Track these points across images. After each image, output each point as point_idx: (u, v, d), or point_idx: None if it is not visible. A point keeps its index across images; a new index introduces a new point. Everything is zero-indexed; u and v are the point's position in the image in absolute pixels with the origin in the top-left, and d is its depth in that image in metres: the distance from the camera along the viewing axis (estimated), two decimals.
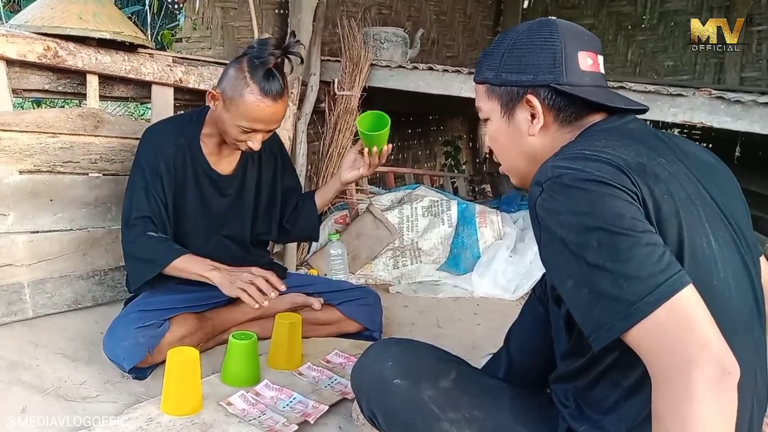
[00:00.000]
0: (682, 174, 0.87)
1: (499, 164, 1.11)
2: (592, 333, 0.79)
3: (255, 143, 1.70)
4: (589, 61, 0.98)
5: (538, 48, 0.98)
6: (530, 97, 0.98)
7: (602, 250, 0.77)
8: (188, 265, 1.67)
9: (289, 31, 2.75)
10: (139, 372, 1.62)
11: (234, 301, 1.86)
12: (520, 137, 1.01)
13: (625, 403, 0.90)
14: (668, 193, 0.83)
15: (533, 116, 0.99)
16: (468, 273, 2.70)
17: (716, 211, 0.88)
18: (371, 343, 1.91)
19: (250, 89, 1.62)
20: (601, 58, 1.01)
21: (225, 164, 1.87)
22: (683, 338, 0.72)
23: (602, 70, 1.01)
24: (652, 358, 0.74)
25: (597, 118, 0.98)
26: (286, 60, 1.70)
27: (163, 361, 1.64)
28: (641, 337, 0.75)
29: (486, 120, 1.07)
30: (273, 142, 2.00)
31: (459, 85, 2.75)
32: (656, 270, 0.75)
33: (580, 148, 0.88)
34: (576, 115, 0.98)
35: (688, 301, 0.74)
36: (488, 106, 1.05)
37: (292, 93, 2.69)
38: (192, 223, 1.85)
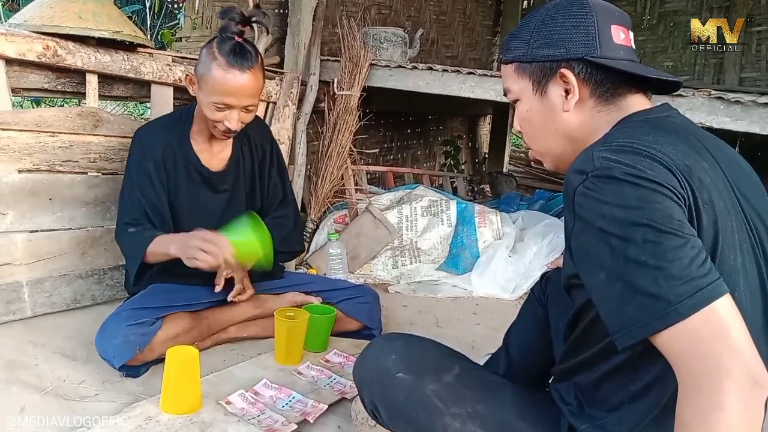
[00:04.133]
0: (721, 181, 0.85)
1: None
2: (620, 329, 0.77)
3: (232, 122, 1.68)
4: (621, 35, 0.96)
5: (570, 22, 0.95)
6: (564, 70, 0.95)
7: (646, 246, 0.75)
8: (156, 247, 1.68)
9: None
10: (131, 370, 1.62)
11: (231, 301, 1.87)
12: (555, 114, 0.98)
13: (630, 405, 0.89)
14: (710, 201, 0.81)
15: (567, 92, 0.96)
16: (467, 273, 2.70)
17: (743, 220, 0.86)
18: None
19: (218, 62, 1.64)
20: (631, 34, 0.99)
21: (217, 160, 1.88)
22: (717, 346, 0.70)
23: (633, 46, 0.99)
24: (683, 363, 0.73)
25: (636, 100, 0.96)
26: (256, 28, 1.74)
27: (158, 360, 1.64)
28: (674, 340, 0.73)
29: (515, 101, 1.04)
30: (263, 136, 1.99)
31: (458, 84, 2.75)
32: (699, 274, 0.73)
33: (628, 140, 0.84)
34: (613, 91, 0.95)
35: (725, 308, 0.73)
36: (518, 86, 1.01)
37: (291, 93, 2.69)
38: (188, 222, 1.84)
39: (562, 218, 3.09)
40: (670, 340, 0.74)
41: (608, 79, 0.94)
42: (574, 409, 1.00)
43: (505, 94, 1.06)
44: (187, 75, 1.74)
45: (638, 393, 0.87)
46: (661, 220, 0.75)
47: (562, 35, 0.95)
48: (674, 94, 2.21)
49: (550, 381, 1.22)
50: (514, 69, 1.01)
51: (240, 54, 1.64)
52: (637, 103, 0.96)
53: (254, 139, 1.95)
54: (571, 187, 0.84)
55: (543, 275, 1.45)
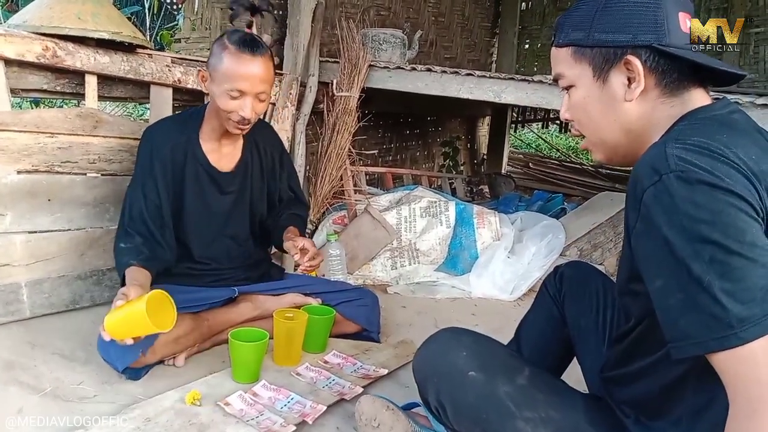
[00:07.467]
0: None
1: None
2: (673, 340, 0.76)
3: (246, 110, 1.68)
4: (688, 23, 0.92)
5: (637, 6, 0.89)
6: (630, 57, 0.89)
7: (713, 265, 0.72)
8: (128, 276, 1.63)
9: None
10: (133, 372, 1.61)
11: (231, 302, 1.87)
12: (615, 104, 0.92)
13: (693, 419, 0.87)
14: None
15: (630, 80, 0.90)
16: (466, 274, 2.70)
17: None
18: (369, 343, 1.94)
19: (229, 50, 1.67)
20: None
21: (226, 161, 1.87)
22: None
23: None
24: (738, 386, 0.72)
25: (698, 94, 0.91)
26: (262, 16, 1.82)
27: (158, 362, 1.65)
28: (730, 362, 0.72)
29: (568, 87, 0.97)
30: (273, 144, 2.00)
31: (457, 86, 2.75)
32: (763, 298, 0.71)
33: (703, 139, 0.79)
34: (678, 83, 0.90)
35: None
36: (574, 71, 0.95)
37: (290, 94, 2.69)
38: (193, 222, 1.85)
39: (561, 219, 3.10)
40: (725, 362, 0.72)
41: (674, 69, 0.89)
42: (632, 420, 0.97)
43: (555, 80, 1.00)
44: (198, 71, 1.77)
45: (703, 406, 0.84)
46: (734, 236, 0.72)
47: (628, 19, 0.89)
48: None
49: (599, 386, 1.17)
50: (571, 53, 0.95)
51: (250, 42, 1.68)
52: (700, 98, 0.92)
53: (263, 145, 1.95)
54: (641, 186, 0.79)
55: (556, 270, 1.41)
